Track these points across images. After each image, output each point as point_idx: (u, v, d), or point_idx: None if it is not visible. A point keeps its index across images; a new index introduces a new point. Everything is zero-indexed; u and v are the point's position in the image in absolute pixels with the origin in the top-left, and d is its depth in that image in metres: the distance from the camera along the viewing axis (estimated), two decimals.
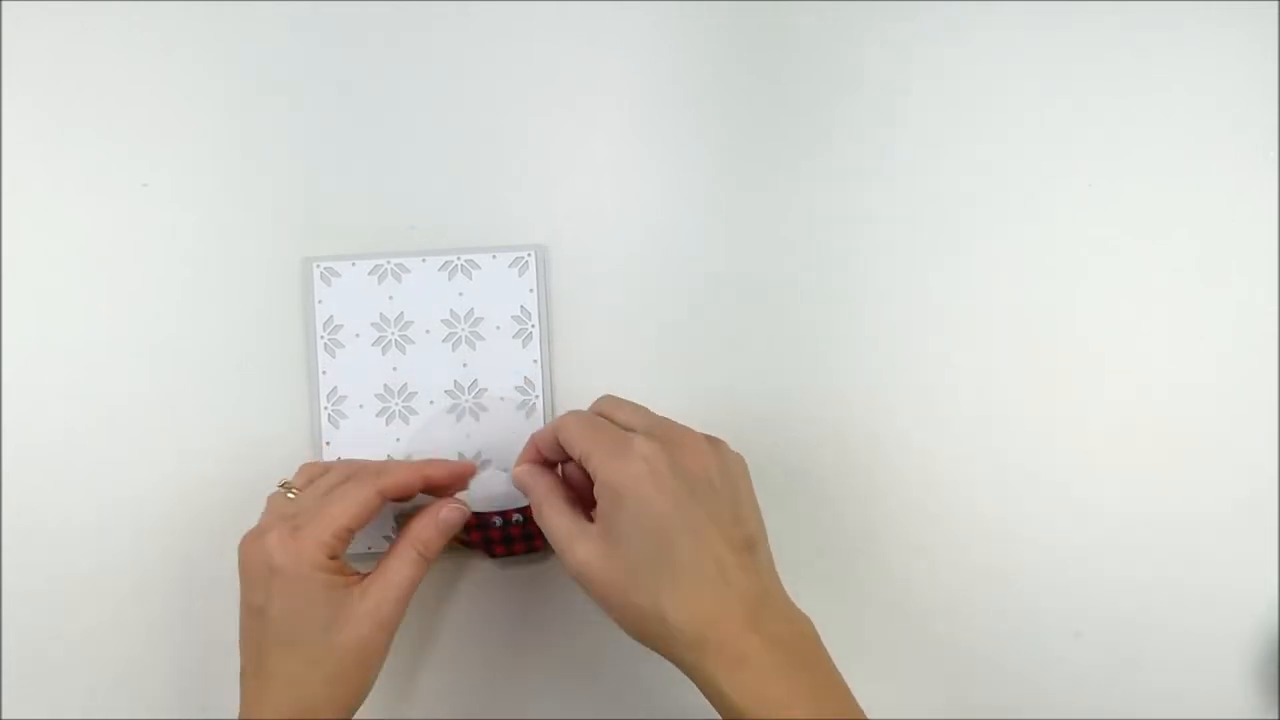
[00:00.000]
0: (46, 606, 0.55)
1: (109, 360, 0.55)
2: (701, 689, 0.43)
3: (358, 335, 0.55)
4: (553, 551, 0.46)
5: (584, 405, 0.48)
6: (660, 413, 0.47)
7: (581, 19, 0.57)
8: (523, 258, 0.56)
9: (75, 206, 0.56)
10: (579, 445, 0.45)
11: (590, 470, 0.44)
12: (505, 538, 0.52)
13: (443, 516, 0.48)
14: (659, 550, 0.42)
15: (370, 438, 0.55)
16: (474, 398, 0.55)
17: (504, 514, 0.52)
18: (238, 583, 0.46)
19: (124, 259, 0.56)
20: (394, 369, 0.55)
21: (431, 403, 0.55)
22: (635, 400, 0.48)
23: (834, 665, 0.44)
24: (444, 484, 0.50)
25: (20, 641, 0.54)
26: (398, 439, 0.55)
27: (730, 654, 0.42)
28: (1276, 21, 0.57)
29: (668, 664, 0.55)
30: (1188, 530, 0.55)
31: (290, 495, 0.48)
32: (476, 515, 0.51)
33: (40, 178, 0.56)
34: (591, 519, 0.46)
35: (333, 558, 0.46)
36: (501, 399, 0.55)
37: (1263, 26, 0.57)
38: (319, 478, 0.49)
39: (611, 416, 0.47)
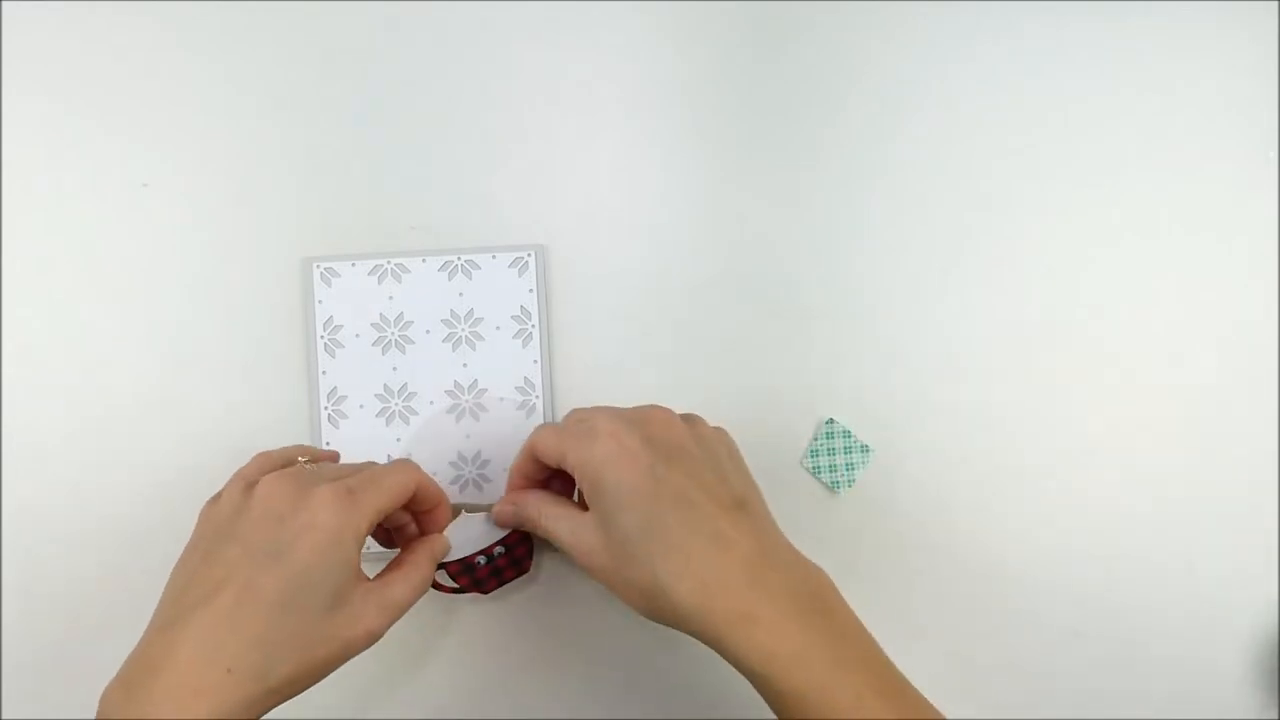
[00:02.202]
0: (47, 606, 0.55)
1: (109, 360, 0.55)
2: (721, 654, 0.42)
3: (358, 335, 0.55)
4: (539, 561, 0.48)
5: (584, 405, 0.48)
6: None
7: (582, 19, 0.57)
8: (523, 258, 0.56)
9: (75, 206, 0.56)
10: (553, 449, 0.45)
11: (569, 468, 0.45)
12: (494, 571, 0.51)
13: (440, 543, 0.49)
14: (646, 523, 0.42)
15: (370, 438, 0.55)
16: (474, 398, 0.55)
17: (485, 551, 0.51)
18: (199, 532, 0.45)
19: (124, 259, 0.56)
20: (394, 369, 0.55)
21: (431, 403, 0.55)
22: (636, 401, 0.48)
23: (853, 612, 0.43)
24: (434, 504, 0.50)
25: (20, 641, 0.54)
26: (398, 439, 0.55)
27: (737, 615, 0.41)
28: (1276, 21, 0.57)
29: (667, 666, 0.55)
30: (1188, 530, 0.56)
31: (308, 465, 0.47)
32: (459, 562, 0.51)
33: (41, 177, 0.56)
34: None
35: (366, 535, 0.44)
36: (501, 399, 0.55)
37: (1263, 26, 0.57)
38: (324, 461, 0.49)
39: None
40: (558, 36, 0.57)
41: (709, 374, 0.56)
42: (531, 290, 0.56)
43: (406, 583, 0.46)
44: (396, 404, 0.55)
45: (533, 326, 0.55)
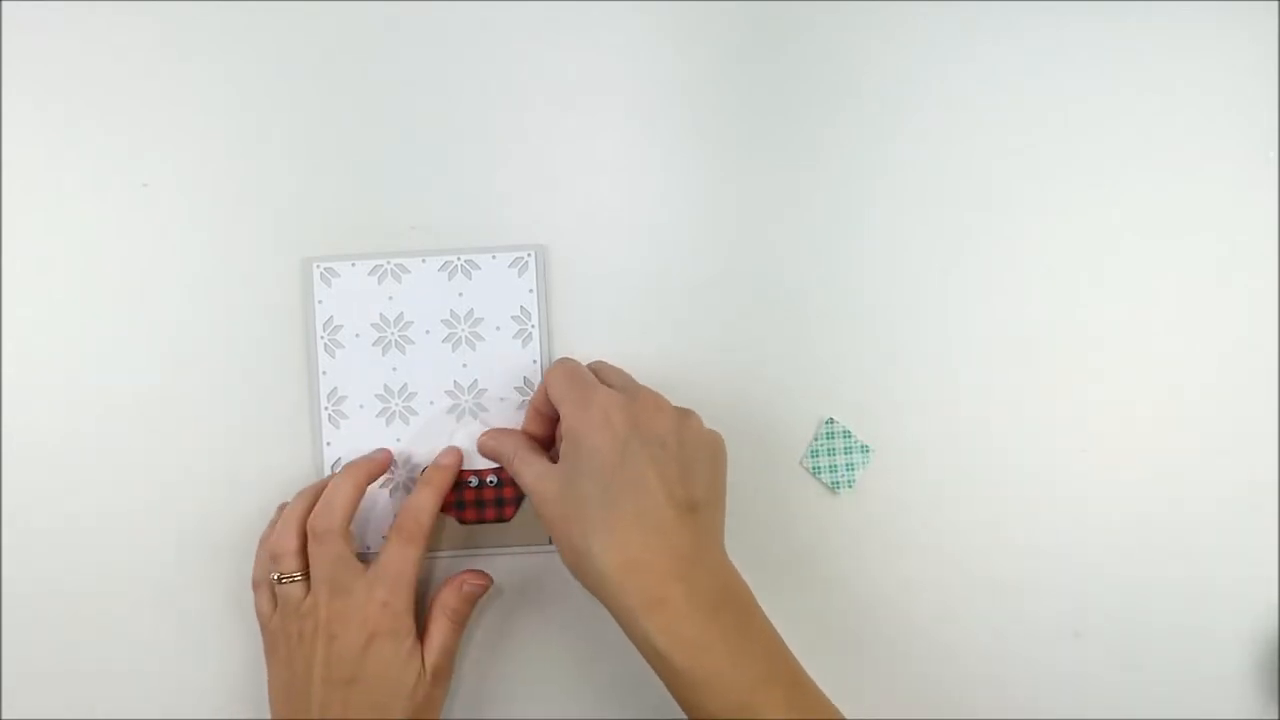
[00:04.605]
0: (46, 607, 0.55)
1: (109, 360, 0.55)
2: (627, 632, 0.45)
3: (358, 335, 0.55)
4: (514, 516, 0.53)
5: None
6: None
7: (581, 19, 0.57)
8: (523, 258, 0.56)
9: (75, 206, 0.56)
10: (555, 393, 0.49)
11: (561, 418, 0.49)
12: (477, 501, 0.54)
13: (465, 591, 0.53)
14: (601, 494, 0.45)
15: (370, 438, 0.55)
16: (474, 398, 0.55)
17: (479, 474, 0.54)
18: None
19: (124, 259, 0.56)
20: (394, 369, 0.55)
21: (431, 403, 0.55)
22: None
23: (768, 622, 0.46)
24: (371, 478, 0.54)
25: (20, 641, 0.55)
26: (398, 439, 0.55)
27: (651, 597, 0.44)
28: (1277, 21, 0.57)
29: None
30: (1188, 530, 0.55)
31: (288, 582, 0.50)
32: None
33: (41, 177, 0.56)
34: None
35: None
36: (501, 399, 0.55)
37: (1263, 26, 0.57)
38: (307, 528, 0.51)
39: (598, 374, 0.51)
40: (558, 36, 0.57)
41: (709, 374, 0.56)
42: (531, 290, 0.56)
43: (433, 652, 0.51)
44: (396, 404, 0.55)
45: (532, 327, 0.55)
